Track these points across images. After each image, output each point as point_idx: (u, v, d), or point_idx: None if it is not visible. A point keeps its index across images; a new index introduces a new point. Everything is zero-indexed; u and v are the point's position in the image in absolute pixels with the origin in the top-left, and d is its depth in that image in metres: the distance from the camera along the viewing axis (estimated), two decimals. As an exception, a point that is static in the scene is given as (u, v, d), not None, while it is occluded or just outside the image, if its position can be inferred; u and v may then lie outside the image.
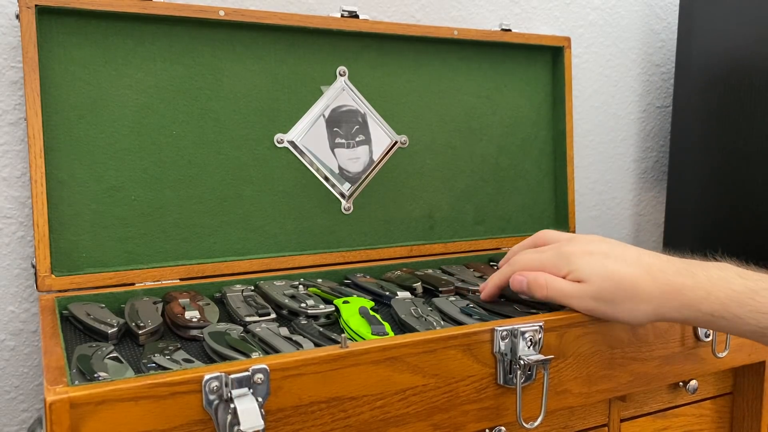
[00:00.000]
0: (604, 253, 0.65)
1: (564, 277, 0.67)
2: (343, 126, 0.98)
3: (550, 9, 1.24)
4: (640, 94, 1.37)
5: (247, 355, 0.60)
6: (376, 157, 1.00)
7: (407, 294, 0.82)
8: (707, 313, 0.61)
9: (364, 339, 0.65)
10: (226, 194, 0.90)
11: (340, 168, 0.97)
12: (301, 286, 0.84)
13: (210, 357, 0.64)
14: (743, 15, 1.15)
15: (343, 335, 0.58)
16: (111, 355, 0.60)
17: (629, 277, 0.63)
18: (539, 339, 0.63)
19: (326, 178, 0.96)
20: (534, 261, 0.69)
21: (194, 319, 0.70)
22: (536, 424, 0.63)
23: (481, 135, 1.09)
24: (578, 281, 0.65)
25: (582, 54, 1.28)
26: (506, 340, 0.62)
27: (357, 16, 0.96)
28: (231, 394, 0.50)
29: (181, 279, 0.86)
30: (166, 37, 0.86)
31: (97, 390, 0.47)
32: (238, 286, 0.84)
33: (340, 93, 0.97)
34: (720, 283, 0.61)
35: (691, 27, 1.24)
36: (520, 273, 0.69)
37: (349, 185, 0.98)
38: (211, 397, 0.50)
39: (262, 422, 0.50)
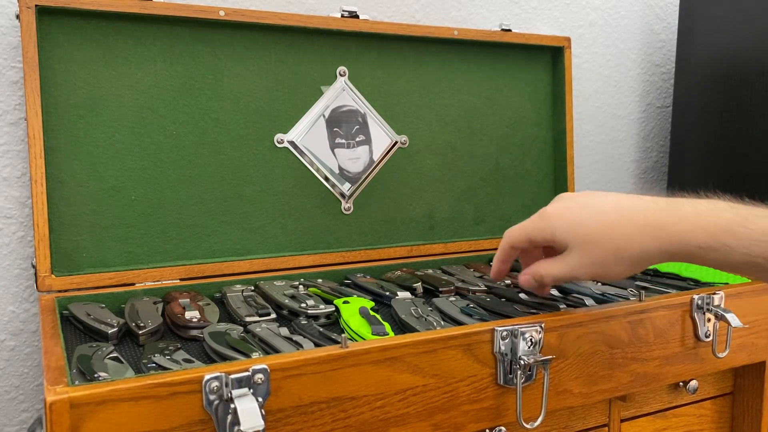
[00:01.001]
0: (581, 206, 0.64)
1: (551, 247, 0.67)
2: (343, 126, 0.98)
3: (550, 9, 1.24)
4: (640, 94, 1.37)
5: (248, 355, 0.60)
6: (376, 157, 1.00)
7: (407, 294, 0.82)
8: (695, 246, 0.58)
9: (364, 339, 0.65)
10: (226, 194, 0.90)
11: (340, 168, 0.97)
12: (301, 286, 0.84)
13: (210, 357, 0.64)
14: (743, 15, 1.15)
15: (343, 335, 0.58)
16: (111, 355, 0.60)
17: (605, 229, 0.61)
18: (539, 339, 0.63)
19: (326, 178, 0.96)
20: (519, 228, 0.69)
21: (194, 319, 0.70)
22: (536, 424, 0.63)
23: (481, 135, 1.09)
24: (564, 248, 0.64)
25: (582, 54, 1.28)
26: (506, 340, 0.62)
27: (357, 16, 0.96)
28: (231, 394, 0.50)
29: (181, 279, 0.86)
30: (166, 37, 0.86)
31: (97, 390, 0.47)
32: (238, 286, 0.84)
33: (340, 93, 0.97)
34: (707, 214, 0.58)
35: (691, 27, 1.24)
36: (525, 273, 0.69)
37: (349, 185, 0.98)
38: (212, 397, 0.50)
39: (262, 422, 0.50)
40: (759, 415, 0.84)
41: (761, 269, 0.56)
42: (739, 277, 0.84)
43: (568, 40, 1.13)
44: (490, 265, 0.99)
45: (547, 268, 0.66)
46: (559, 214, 0.65)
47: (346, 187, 0.98)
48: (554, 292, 0.83)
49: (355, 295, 0.80)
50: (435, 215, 1.05)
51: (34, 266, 0.80)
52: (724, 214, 0.57)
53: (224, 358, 0.61)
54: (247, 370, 0.51)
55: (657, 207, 0.60)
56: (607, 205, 0.63)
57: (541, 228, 0.66)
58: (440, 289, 0.85)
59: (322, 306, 0.76)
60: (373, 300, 0.80)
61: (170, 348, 0.63)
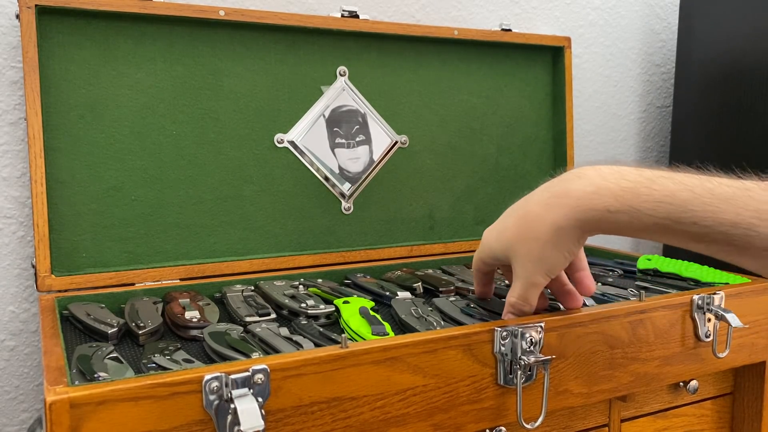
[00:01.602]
0: (503, 216, 0.66)
1: (495, 264, 0.69)
2: (344, 126, 0.98)
3: (550, 9, 1.23)
4: (640, 94, 1.37)
5: (248, 356, 0.60)
6: (376, 157, 1.00)
7: (407, 294, 0.82)
8: (604, 210, 0.56)
9: (364, 339, 0.65)
10: (226, 194, 0.90)
11: (340, 168, 0.97)
12: (301, 286, 0.84)
13: (210, 357, 0.64)
14: (743, 15, 1.15)
15: (343, 335, 0.58)
16: (111, 355, 0.60)
17: (521, 221, 0.62)
18: (539, 339, 0.63)
19: (326, 178, 0.96)
20: (476, 253, 0.71)
21: (194, 319, 0.70)
22: (537, 424, 0.63)
23: (481, 135, 1.09)
24: (512, 263, 0.64)
25: (582, 54, 1.28)
26: (507, 341, 0.62)
27: (357, 16, 0.96)
28: (231, 394, 0.50)
29: (181, 279, 0.86)
30: (166, 37, 0.86)
31: (97, 390, 0.47)
32: (238, 286, 0.84)
33: (340, 93, 0.97)
34: (612, 176, 0.57)
35: (691, 27, 1.24)
36: (503, 315, 0.68)
37: (349, 185, 0.98)
38: (212, 397, 0.50)
39: (262, 422, 0.49)
40: (759, 415, 0.83)
41: (668, 231, 0.56)
42: (739, 277, 0.84)
43: (568, 40, 1.13)
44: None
45: (513, 295, 0.65)
46: (489, 232, 0.67)
47: (346, 187, 0.98)
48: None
49: (355, 295, 0.80)
50: (435, 215, 1.05)
51: (34, 266, 0.80)
52: (629, 176, 0.56)
53: (224, 358, 0.61)
54: (247, 370, 0.51)
55: (560, 179, 0.61)
56: (520, 200, 0.64)
57: (483, 250, 0.68)
58: (440, 289, 0.85)
59: (322, 306, 0.76)
60: (373, 300, 0.80)
61: (170, 348, 0.63)
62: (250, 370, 0.51)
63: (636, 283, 0.87)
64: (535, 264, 0.62)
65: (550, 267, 0.62)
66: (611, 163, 0.60)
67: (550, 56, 1.13)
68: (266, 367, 0.52)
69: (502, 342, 0.62)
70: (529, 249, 0.62)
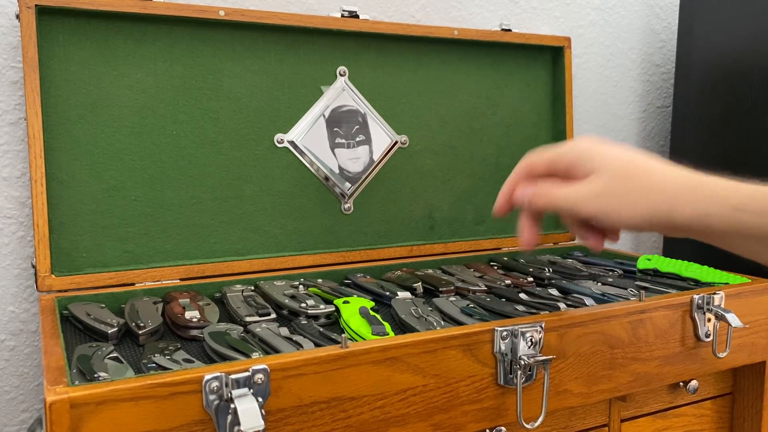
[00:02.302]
0: (616, 144, 0.59)
1: (569, 177, 0.60)
2: (343, 126, 0.98)
3: (550, 9, 1.23)
4: (640, 94, 1.37)
5: (248, 355, 0.60)
6: (376, 157, 1.00)
7: (407, 294, 0.82)
8: (732, 207, 0.54)
9: (364, 339, 0.65)
10: (226, 194, 0.90)
11: (340, 168, 0.97)
12: (301, 286, 0.84)
13: (210, 357, 0.64)
14: (743, 15, 1.15)
15: (343, 335, 0.58)
16: (111, 355, 0.60)
17: (644, 164, 0.56)
18: (539, 339, 0.63)
19: (326, 178, 0.96)
20: (540, 151, 0.63)
21: (194, 319, 0.70)
22: (537, 424, 0.63)
23: (481, 135, 1.09)
24: (586, 175, 0.58)
25: (582, 54, 1.28)
26: (507, 340, 0.62)
27: (357, 16, 0.96)
28: (231, 394, 0.50)
29: (181, 279, 0.86)
30: (166, 37, 0.86)
31: (97, 390, 0.47)
32: (238, 286, 0.84)
33: (340, 93, 0.97)
34: (733, 181, 0.55)
35: (691, 27, 1.24)
36: (524, 186, 0.63)
37: (349, 185, 0.98)
38: (212, 397, 0.50)
39: (262, 422, 0.49)
40: (759, 415, 0.83)
41: None
42: (739, 277, 0.84)
43: (568, 40, 1.13)
44: (491, 266, 1.00)
45: (555, 190, 0.59)
46: (589, 140, 0.60)
47: (346, 187, 0.98)
48: (554, 292, 0.83)
49: (355, 295, 0.80)
50: (435, 215, 1.05)
51: (34, 266, 0.80)
52: (747, 183, 0.55)
53: (224, 358, 0.61)
54: (247, 370, 0.51)
55: (689, 170, 0.57)
56: (642, 153, 0.58)
57: (565, 151, 0.60)
58: (440, 289, 0.85)
59: (322, 306, 0.76)
60: (373, 300, 0.80)
61: (170, 348, 0.63)
62: (250, 370, 0.51)
63: (636, 283, 0.87)
64: (613, 198, 0.56)
65: (617, 212, 0.56)
66: None
67: (550, 56, 1.13)
68: (266, 367, 0.52)
69: (502, 342, 0.62)
70: (628, 186, 0.56)
